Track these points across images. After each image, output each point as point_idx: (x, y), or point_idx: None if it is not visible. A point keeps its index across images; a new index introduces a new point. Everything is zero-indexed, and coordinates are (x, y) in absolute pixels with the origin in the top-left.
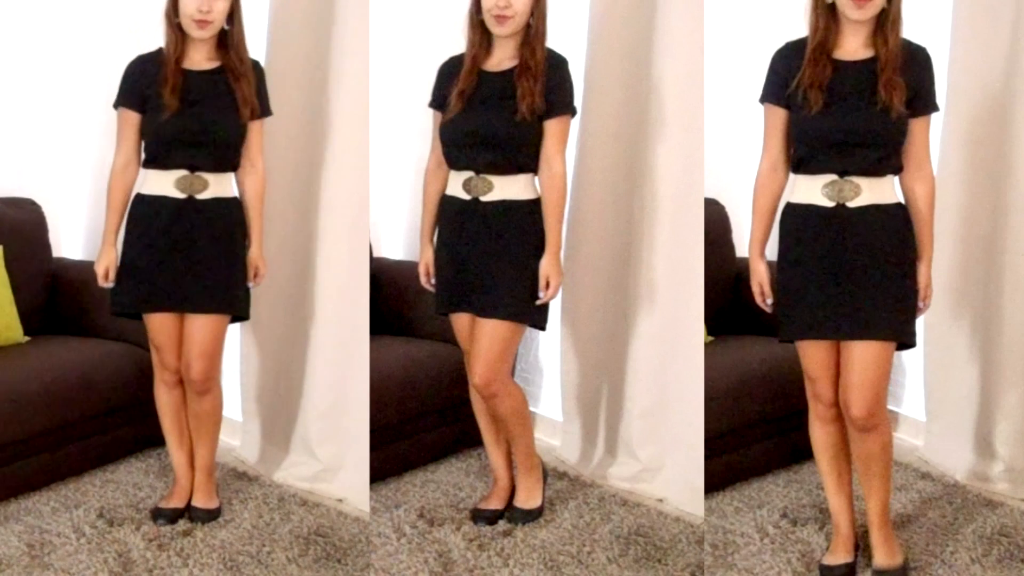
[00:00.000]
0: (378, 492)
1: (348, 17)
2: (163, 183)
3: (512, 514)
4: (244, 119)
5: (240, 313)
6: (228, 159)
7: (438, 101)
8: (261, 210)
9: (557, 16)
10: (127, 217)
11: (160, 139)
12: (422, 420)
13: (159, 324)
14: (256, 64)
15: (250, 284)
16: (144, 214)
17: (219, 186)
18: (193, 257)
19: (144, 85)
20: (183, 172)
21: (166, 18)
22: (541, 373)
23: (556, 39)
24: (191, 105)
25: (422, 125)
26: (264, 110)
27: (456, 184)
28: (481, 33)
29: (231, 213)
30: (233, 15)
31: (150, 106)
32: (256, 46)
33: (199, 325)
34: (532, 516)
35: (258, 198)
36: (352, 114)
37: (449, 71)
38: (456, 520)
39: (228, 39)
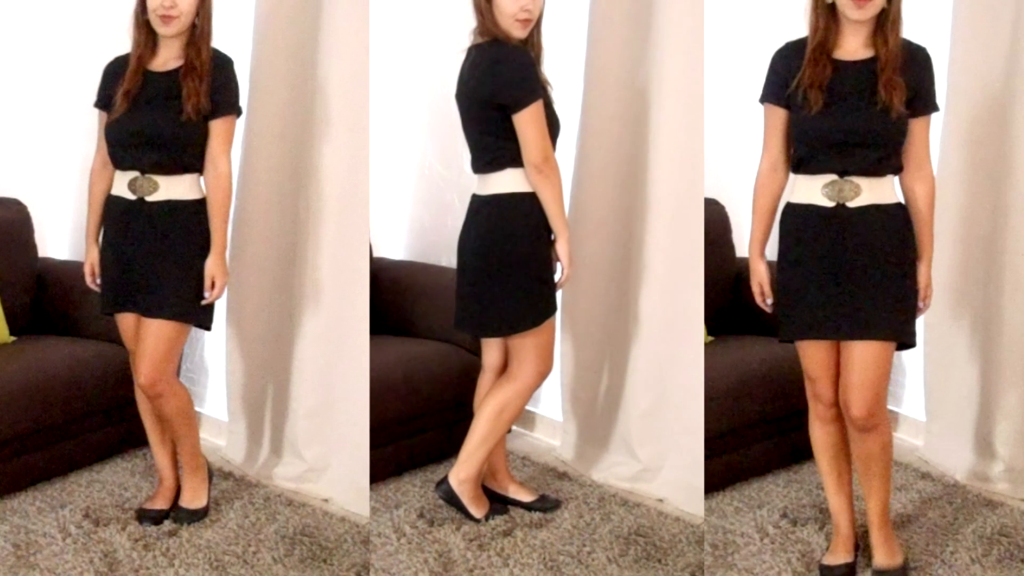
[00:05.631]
0: (378, 492)
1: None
2: (120, 184)
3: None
4: (188, 117)
5: (189, 323)
6: (176, 160)
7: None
8: (223, 215)
9: (550, 18)
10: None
11: (109, 141)
12: (421, 420)
13: (124, 325)
14: (224, 61)
15: (206, 295)
16: (107, 214)
17: (171, 188)
18: (144, 260)
19: (115, 86)
20: (134, 174)
21: (134, 17)
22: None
23: (556, 40)
24: (143, 106)
25: (423, 123)
26: (227, 108)
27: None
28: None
29: (183, 217)
30: (200, 11)
31: (111, 108)
32: (242, 41)
33: (151, 330)
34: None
35: (218, 202)
36: (352, 113)
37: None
38: (455, 520)
39: (193, 35)
